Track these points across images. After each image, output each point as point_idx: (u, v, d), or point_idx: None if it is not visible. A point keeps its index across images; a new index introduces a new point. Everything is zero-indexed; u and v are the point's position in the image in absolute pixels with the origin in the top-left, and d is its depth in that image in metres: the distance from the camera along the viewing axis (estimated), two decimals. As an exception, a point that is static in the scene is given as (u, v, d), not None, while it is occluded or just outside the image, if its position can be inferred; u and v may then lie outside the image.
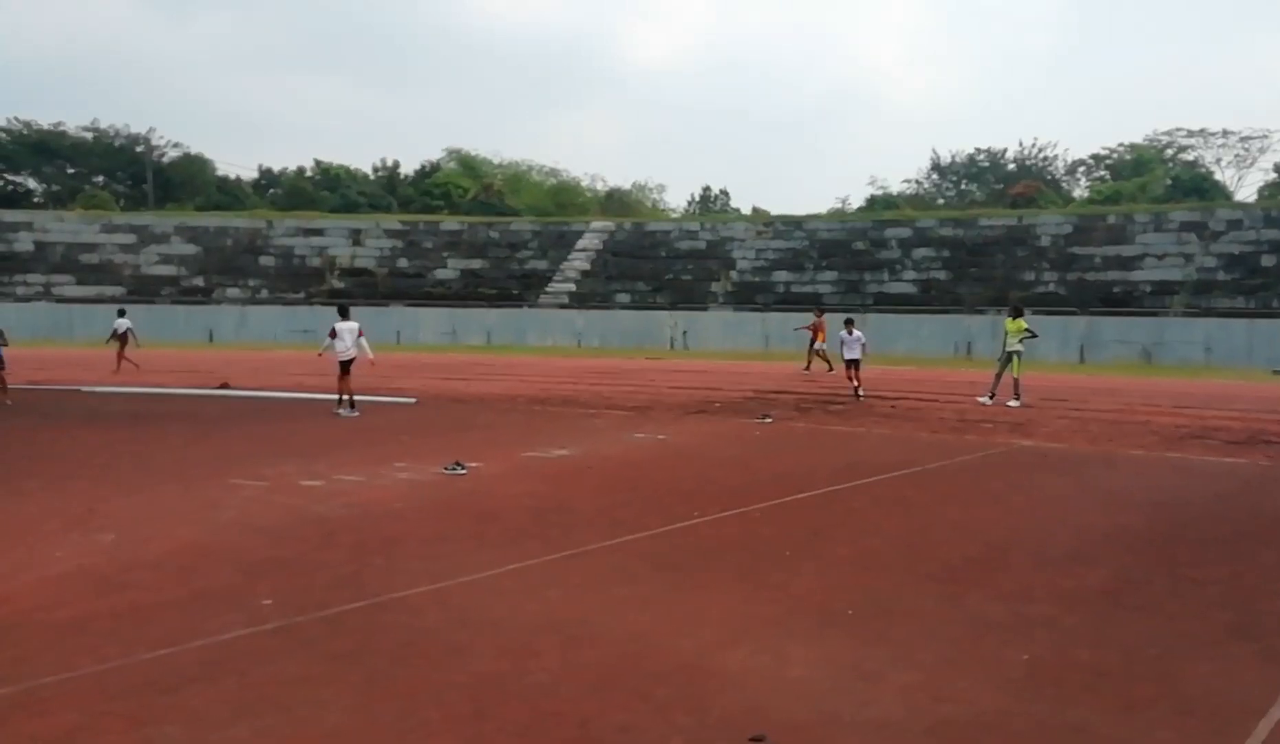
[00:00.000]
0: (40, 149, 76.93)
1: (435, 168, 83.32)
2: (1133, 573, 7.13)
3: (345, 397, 16.55)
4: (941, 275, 41.89)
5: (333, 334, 16.96)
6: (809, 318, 28.81)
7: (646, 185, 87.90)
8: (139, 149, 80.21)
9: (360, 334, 17.03)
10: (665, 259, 47.66)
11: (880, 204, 63.68)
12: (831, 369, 26.36)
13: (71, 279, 45.38)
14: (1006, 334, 19.37)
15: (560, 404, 18.42)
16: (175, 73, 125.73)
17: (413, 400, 18.78)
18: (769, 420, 15.93)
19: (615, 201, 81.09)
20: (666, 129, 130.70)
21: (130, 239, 49.47)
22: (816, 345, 27.78)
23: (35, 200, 74.91)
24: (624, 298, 44.47)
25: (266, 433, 14.30)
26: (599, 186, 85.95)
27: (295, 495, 9.50)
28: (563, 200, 79.05)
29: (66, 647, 5.34)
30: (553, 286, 46.16)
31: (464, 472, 10.66)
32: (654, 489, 10.13)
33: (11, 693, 4.68)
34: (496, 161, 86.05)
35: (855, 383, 19.56)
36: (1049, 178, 73.68)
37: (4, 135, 75.68)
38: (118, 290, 44.74)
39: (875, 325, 38.11)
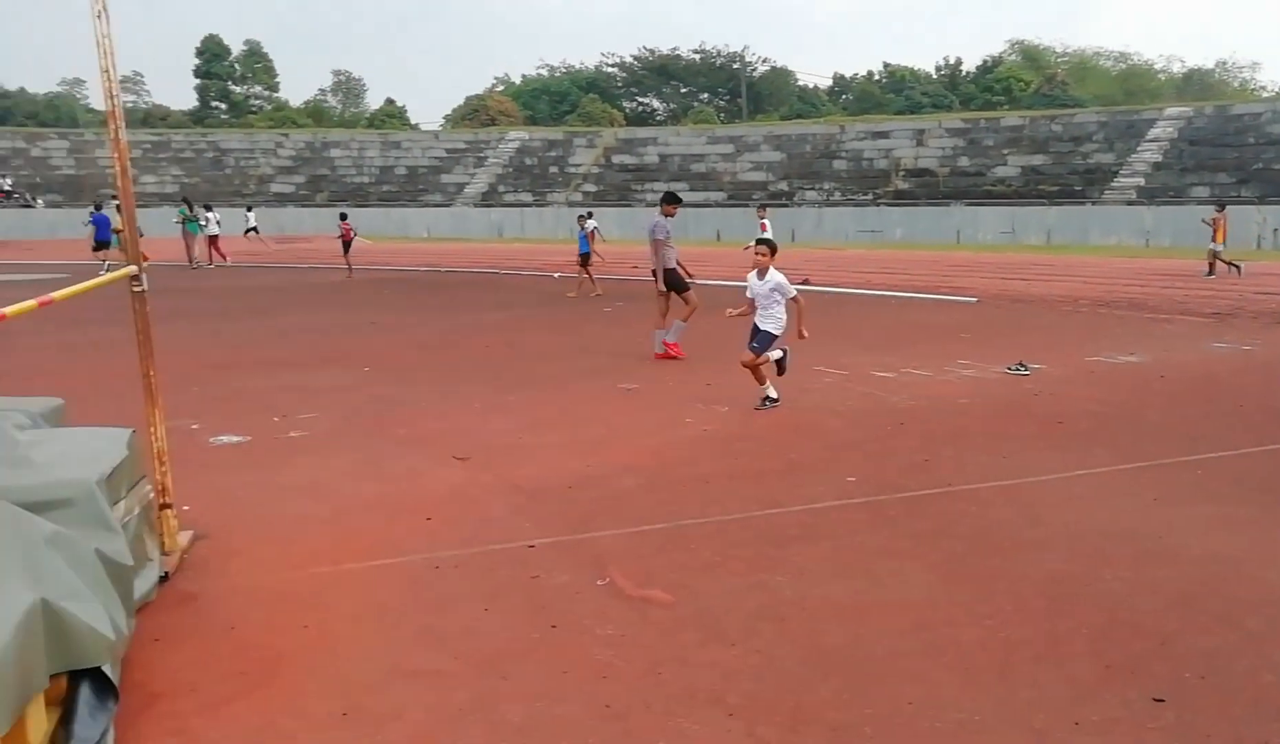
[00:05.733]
0: (661, 72, 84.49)
1: (997, 62, 78.46)
2: None
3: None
4: None
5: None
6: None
7: (1232, 63, 75.37)
8: (735, 66, 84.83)
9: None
10: (1254, 146, 40.82)
11: None
12: (1211, 272, 22.33)
13: (686, 186, 49.88)
14: None
15: (1126, 308, 16.86)
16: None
17: (973, 299, 18.34)
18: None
19: (1194, 84, 70.78)
20: None
21: (729, 149, 53.10)
22: (1214, 245, 23.00)
23: (658, 118, 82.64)
24: (1201, 191, 38.98)
25: (841, 326, 14.85)
26: (1175, 69, 75.46)
27: (869, 385, 9.85)
28: (1132, 87, 70.50)
29: (699, 497, 6.09)
30: (1119, 181, 41.85)
31: (1027, 372, 10.29)
32: (1238, 405, 8.92)
33: (667, 529, 5.50)
34: (1060, 51, 78.55)
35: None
36: None
37: (636, 63, 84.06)
38: (720, 196, 48.46)
39: None
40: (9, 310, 3.74)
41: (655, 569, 4.86)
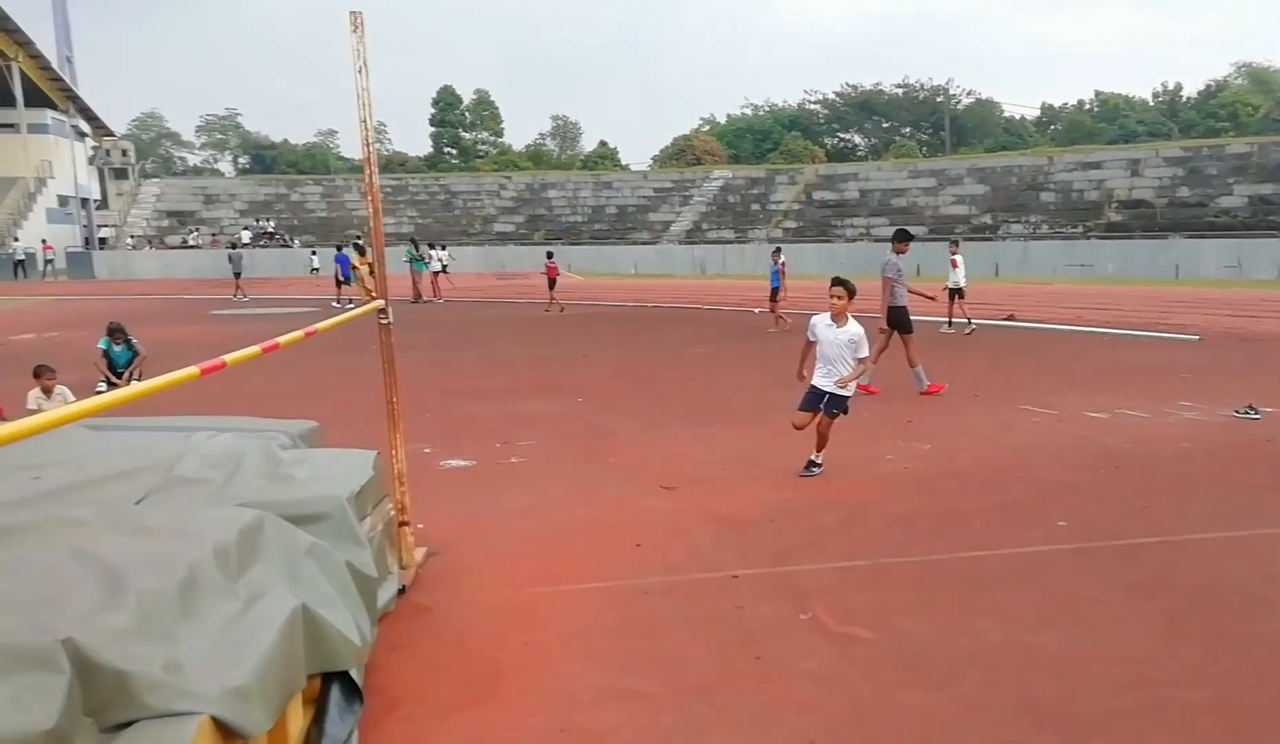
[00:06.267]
0: (863, 108, 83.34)
1: (1221, 87, 72.74)
2: None
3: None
4: None
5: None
6: None
7: None
8: (939, 99, 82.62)
9: None
10: None
11: None
12: None
13: (885, 221, 48.83)
14: None
15: (1373, 347, 15.16)
16: (969, 22, 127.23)
17: (1195, 337, 16.95)
18: None
19: None
20: None
21: (930, 183, 51.64)
22: None
23: (859, 154, 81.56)
24: None
25: (1049, 363, 14.09)
26: None
27: (1081, 425, 9.27)
28: (1379, 109, 63.55)
29: (900, 535, 5.92)
30: (1363, 212, 37.79)
31: (1259, 417, 9.40)
32: None
33: (868, 566, 5.37)
34: (1292, 72, 71.91)
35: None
36: None
37: (838, 99, 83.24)
38: (921, 230, 47.13)
39: None
40: (282, 340, 4.11)
41: (857, 606, 4.75)
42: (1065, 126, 77.32)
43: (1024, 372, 13.21)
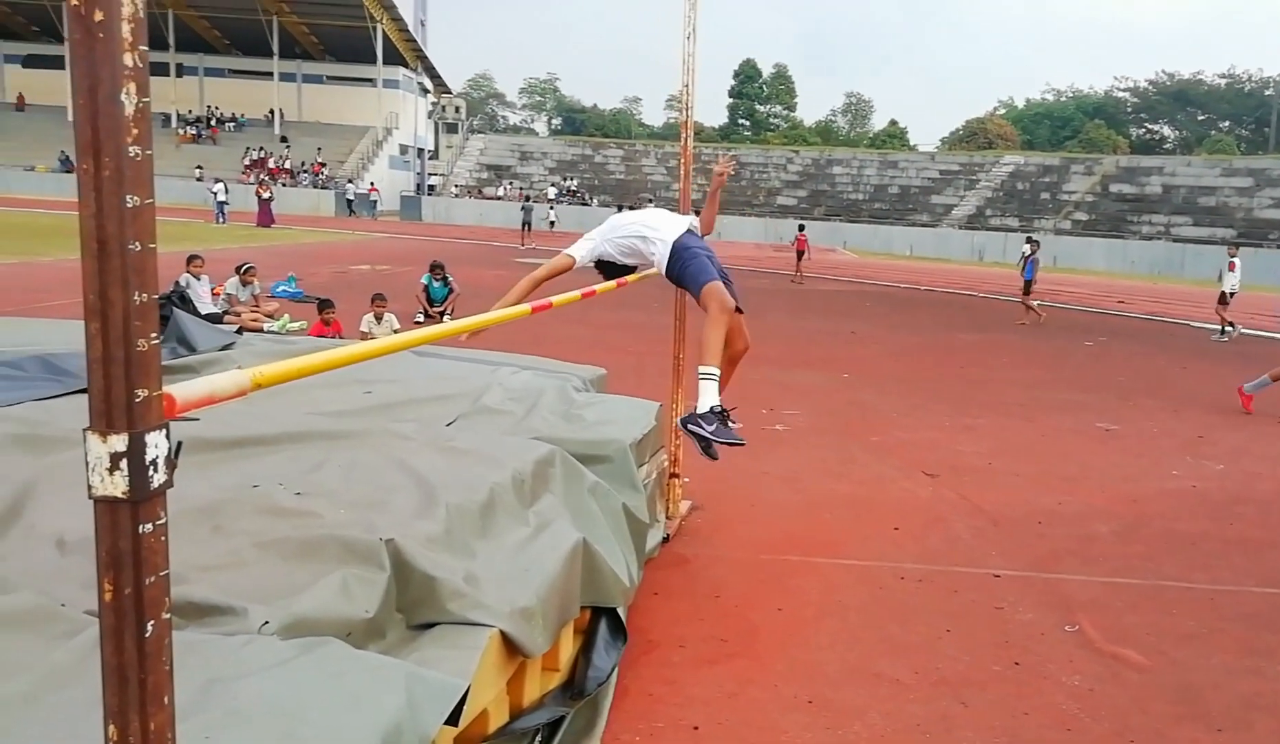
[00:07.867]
0: (1178, 98, 75.04)
1: None
2: None
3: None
4: None
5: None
6: None
7: None
8: (1267, 93, 72.80)
9: None
10: None
11: None
12: None
13: (1189, 220, 43.86)
14: None
15: None
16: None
17: None
18: None
19: None
20: None
21: (1246, 182, 45.65)
22: None
23: (1166, 147, 73.60)
24: None
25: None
26: None
27: None
28: None
29: (1183, 558, 5.31)
30: None
31: None
32: None
33: (1144, 585, 4.85)
34: None
35: None
36: None
37: (1150, 88, 75.35)
38: (1228, 232, 41.92)
39: None
40: (598, 288, 4.27)
41: (1129, 627, 4.30)
42: None
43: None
